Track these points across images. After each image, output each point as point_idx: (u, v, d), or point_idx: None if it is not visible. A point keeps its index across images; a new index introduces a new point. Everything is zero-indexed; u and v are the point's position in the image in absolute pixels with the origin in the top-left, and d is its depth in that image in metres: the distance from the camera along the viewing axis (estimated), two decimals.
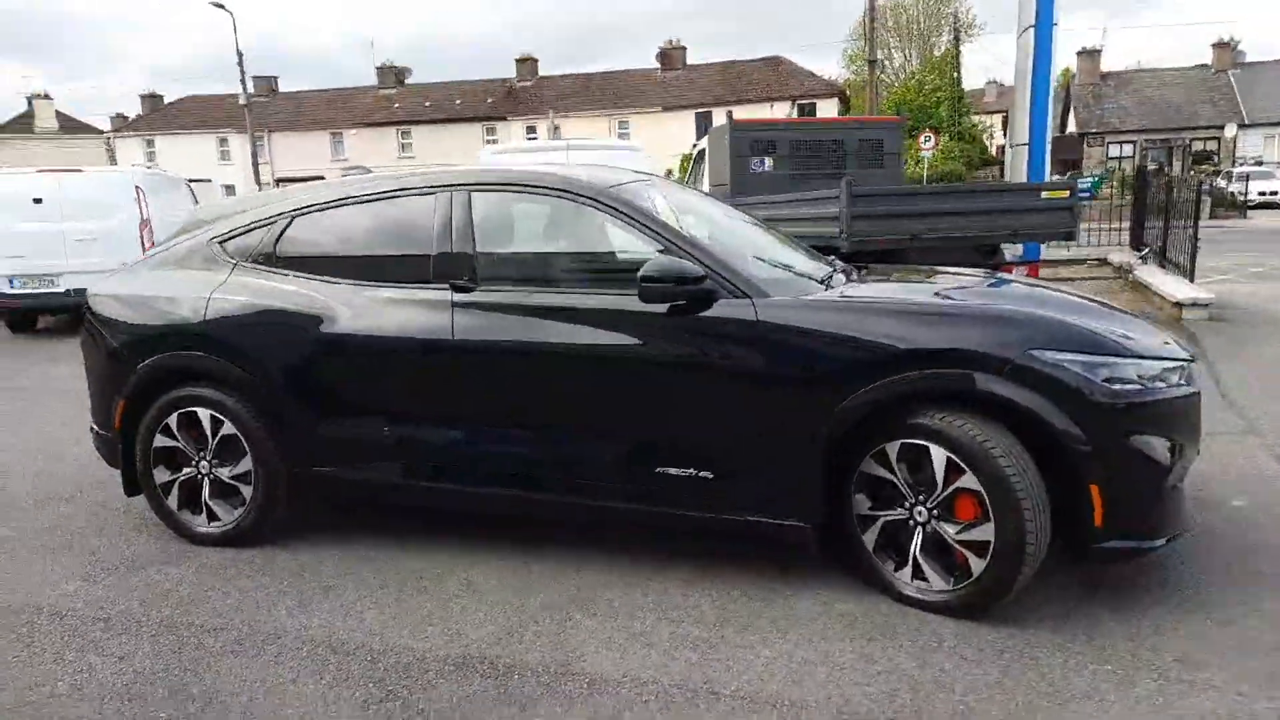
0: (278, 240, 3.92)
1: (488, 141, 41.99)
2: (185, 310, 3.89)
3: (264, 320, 3.77)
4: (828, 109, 44.00)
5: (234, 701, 2.78)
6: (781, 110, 42.78)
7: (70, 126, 58.33)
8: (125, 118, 58.44)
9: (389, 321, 3.60)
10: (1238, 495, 4.15)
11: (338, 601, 3.40)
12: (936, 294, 3.40)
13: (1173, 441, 3.04)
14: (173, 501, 4.00)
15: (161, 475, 4.00)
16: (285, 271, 3.85)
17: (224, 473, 3.90)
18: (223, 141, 48.01)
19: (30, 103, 59.08)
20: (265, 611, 3.35)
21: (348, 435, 3.72)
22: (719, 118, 42.84)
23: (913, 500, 3.12)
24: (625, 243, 3.52)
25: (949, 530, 3.05)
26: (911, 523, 3.14)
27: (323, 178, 17.70)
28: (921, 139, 31.62)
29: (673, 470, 3.31)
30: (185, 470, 3.96)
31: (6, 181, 11.10)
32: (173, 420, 3.92)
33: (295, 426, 3.76)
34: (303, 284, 3.78)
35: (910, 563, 3.15)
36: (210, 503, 3.95)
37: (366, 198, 3.84)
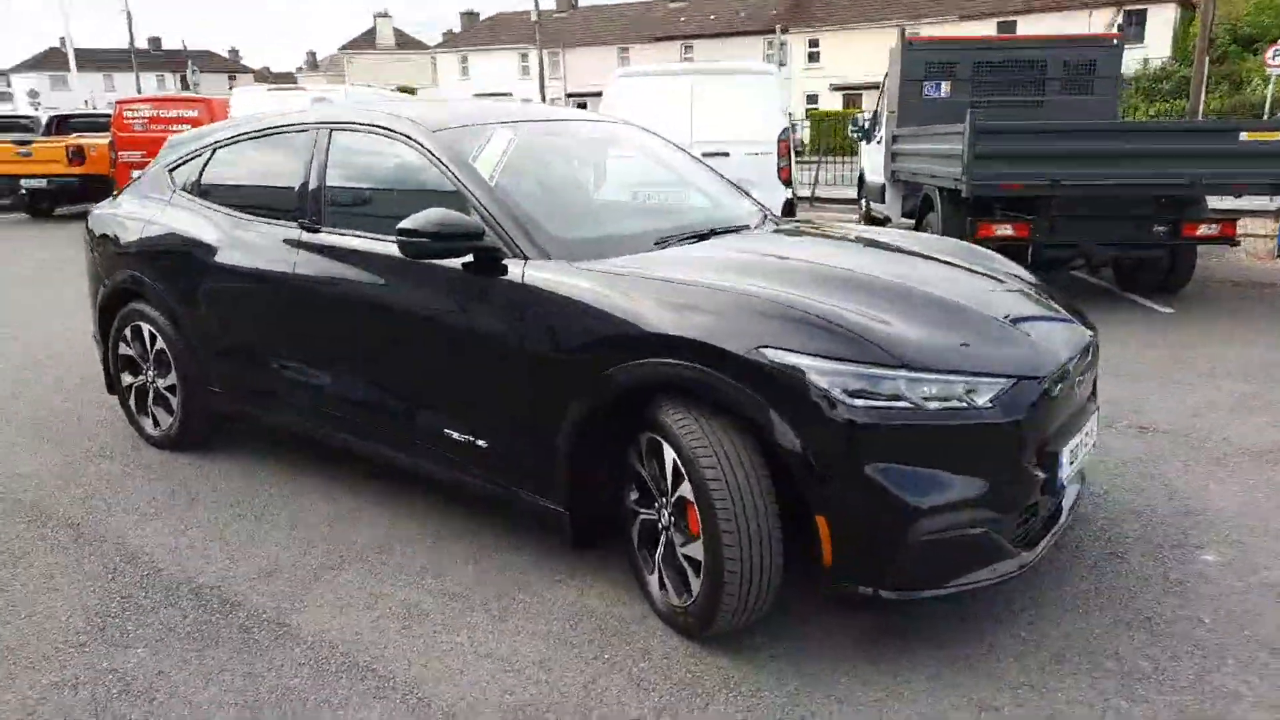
0: (202, 170, 4.16)
1: (767, 56, 40.94)
2: (131, 234, 4.27)
3: (176, 247, 4.05)
4: (1164, 13, 38.11)
5: (9, 589, 3.11)
6: (1102, 20, 37.63)
7: (404, 42, 64.72)
8: (455, 34, 63.74)
9: (257, 257, 3.72)
10: (1223, 547, 3.24)
11: (183, 516, 3.66)
12: (749, 267, 2.91)
13: (949, 478, 2.42)
14: (133, 404, 4.48)
15: (126, 379, 4.48)
16: (202, 201, 4.09)
17: (161, 384, 4.30)
18: (523, 57, 50.89)
19: (375, 20, 66.00)
20: (119, 515, 3.68)
21: (226, 362, 3.95)
22: (1025, 26, 38.45)
23: (660, 502, 2.77)
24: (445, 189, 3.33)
25: (677, 540, 2.69)
26: (660, 525, 2.79)
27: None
28: (1269, 54, 26.43)
29: (455, 434, 3.18)
30: (139, 377, 4.41)
31: (241, 97, 12.57)
32: (128, 331, 4.37)
33: (196, 348, 4.04)
34: (208, 214, 4.00)
35: (657, 569, 2.82)
36: (153, 409, 4.38)
37: (266, 133, 3.95)
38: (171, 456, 4.30)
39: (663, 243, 3.18)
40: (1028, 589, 2.94)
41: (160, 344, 4.20)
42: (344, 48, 64.34)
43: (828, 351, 2.41)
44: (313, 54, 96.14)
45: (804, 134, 32.97)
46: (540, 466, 2.97)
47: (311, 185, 3.61)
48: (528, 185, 3.28)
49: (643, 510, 2.86)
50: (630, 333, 2.67)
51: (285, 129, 3.86)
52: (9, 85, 76.25)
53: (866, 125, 11.61)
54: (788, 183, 8.29)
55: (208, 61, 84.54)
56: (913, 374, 2.40)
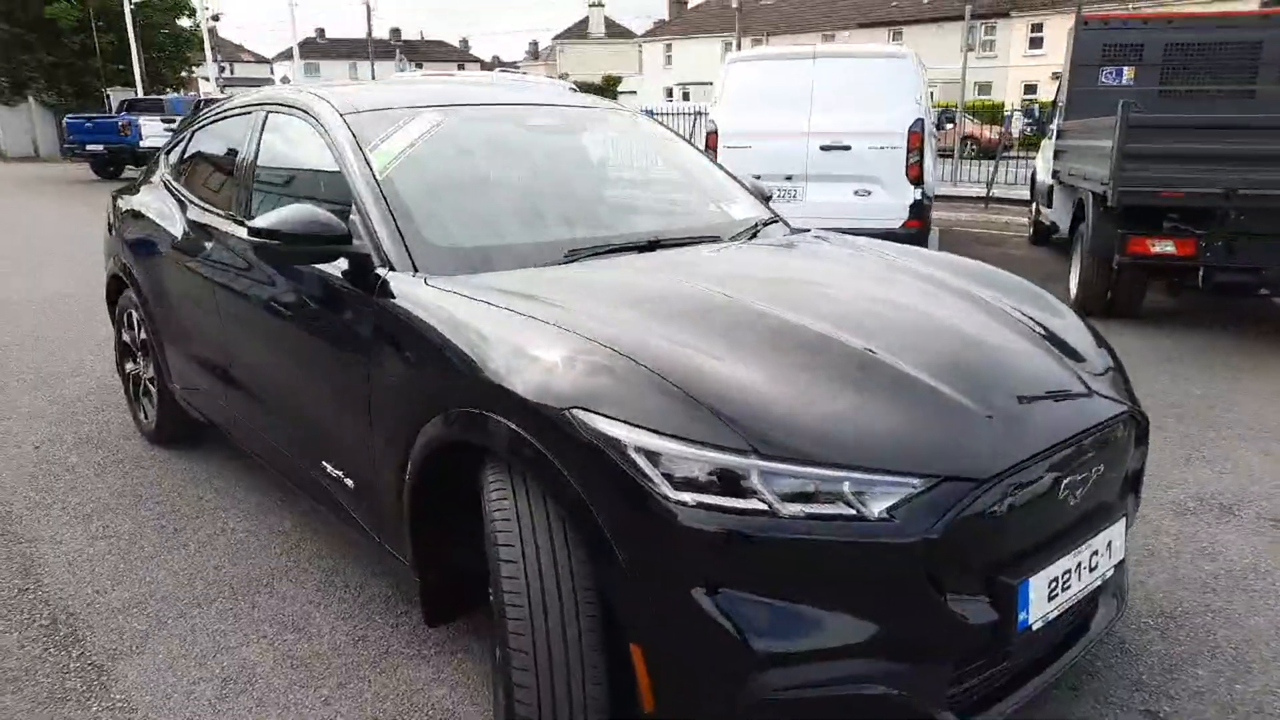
0: (182, 156, 3.95)
1: (987, 39, 38.12)
2: (128, 218, 4.14)
3: (147, 235, 3.87)
4: None
5: None
6: None
7: (615, 32, 65.73)
8: (664, 23, 64.07)
9: (199, 249, 3.43)
10: None
11: (110, 523, 3.45)
12: (642, 296, 2.27)
13: (819, 615, 1.71)
14: (130, 392, 4.38)
15: (128, 366, 4.38)
16: (174, 187, 3.86)
17: (146, 375, 4.15)
18: (727, 46, 50.09)
19: (589, 10, 67.41)
20: (56, 512, 3.52)
21: (177, 358, 3.72)
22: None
23: None
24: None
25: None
26: None
27: None
28: None
29: (330, 468, 2.74)
30: (132, 366, 4.30)
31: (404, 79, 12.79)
32: (124, 318, 4.26)
33: (162, 342, 3.84)
34: (170, 202, 3.78)
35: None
36: (143, 400, 4.25)
37: (225, 114, 3.66)
38: (151, 452, 4.15)
39: (574, 255, 2.59)
40: None
41: (144, 333, 4.05)
42: (558, 37, 66.24)
43: (653, 421, 1.76)
44: (535, 44, 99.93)
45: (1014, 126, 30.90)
46: (397, 519, 2.47)
47: (243, 173, 3.28)
48: (427, 181, 2.76)
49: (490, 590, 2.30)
50: (456, 371, 2.12)
51: (236, 111, 3.56)
52: (271, 72, 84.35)
53: (1044, 118, 10.20)
54: (917, 181, 7.29)
55: (439, 51, 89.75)
56: (768, 463, 1.70)
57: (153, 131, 20.26)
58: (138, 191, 4.26)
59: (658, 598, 1.74)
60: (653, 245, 2.74)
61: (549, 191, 3.04)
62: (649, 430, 1.74)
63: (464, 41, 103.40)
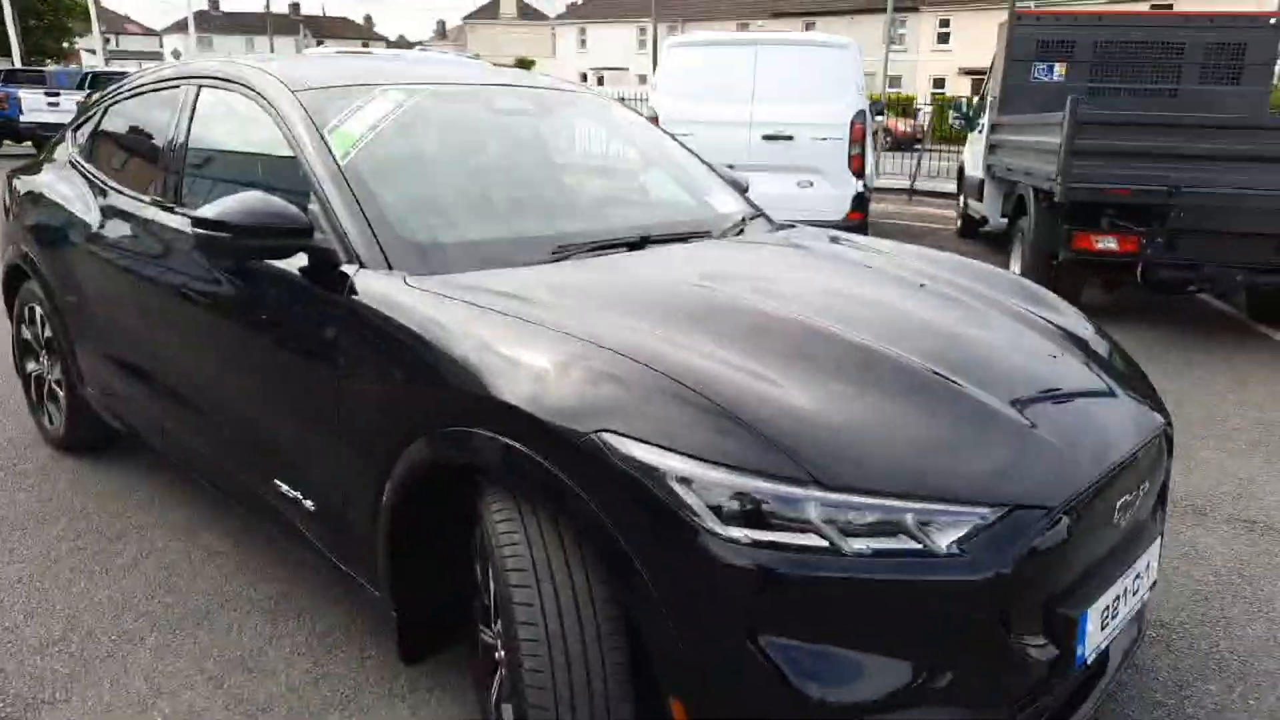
0: (93, 132, 3.55)
1: (898, 32, 38.80)
2: (24, 202, 3.71)
3: (53, 221, 3.46)
4: None
5: None
6: None
7: (527, 14, 64.68)
8: (577, 5, 63.33)
9: (122, 240, 3.06)
10: None
11: (19, 546, 3.06)
12: (650, 300, 2.06)
13: (883, 663, 1.54)
14: (33, 394, 3.94)
15: (29, 366, 3.94)
16: (85, 168, 3.45)
17: (52, 376, 3.73)
18: (641, 30, 49.80)
19: None
20: None
21: (88, 359, 3.34)
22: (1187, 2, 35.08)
23: (495, 627, 1.96)
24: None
25: (505, 682, 1.88)
26: (498, 654, 1.98)
27: None
28: None
29: (284, 488, 2.44)
30: (35, 366, 3.86)
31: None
32: (26, 313, 3.82)
33: (73, 340, 3.44)
34: (81, 185, 3.38)
35: (494, 710, 2.01)
36: (48, 404, 3.82)
37: (146, 88, 3.28)
38: (60, 461, 3.74)
39: (562, 253, 2.35)
40: None
41: (49, 330, 3.63)
42: (467, 18, 64.84)
43: (695, 446, 1.55)
44: (442, 23, 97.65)
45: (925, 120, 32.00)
46: (368, 545, 2.20)
47: (171, 154, 2.92)
48: (396, 168, 2.49)
49: (483, 627, 2.06)
50: (449, 384, 1.87)
51: (161, 84, 3.19)
52: (161, 45, 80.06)
53: (971, 112, 10.32)
54: (860, 173, 7.25)
55: (342, 28, 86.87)
56: (829, 494, 1.52)
57: (34, 105, 18.91)
58: (39, 171, 3.82)
59: (703, 646, 1.54)
60: (643, 241, 2.53)
61: (528, 181, 2.79)
62: (691, 457, 1.54)
63: (368, 18, 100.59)
